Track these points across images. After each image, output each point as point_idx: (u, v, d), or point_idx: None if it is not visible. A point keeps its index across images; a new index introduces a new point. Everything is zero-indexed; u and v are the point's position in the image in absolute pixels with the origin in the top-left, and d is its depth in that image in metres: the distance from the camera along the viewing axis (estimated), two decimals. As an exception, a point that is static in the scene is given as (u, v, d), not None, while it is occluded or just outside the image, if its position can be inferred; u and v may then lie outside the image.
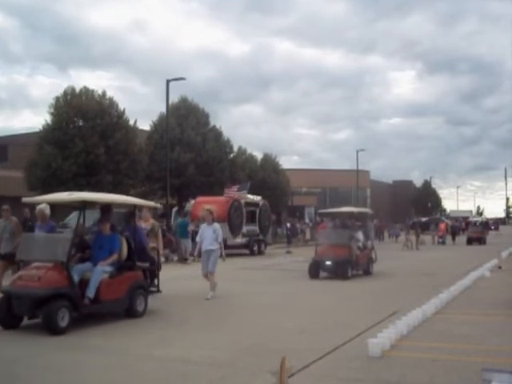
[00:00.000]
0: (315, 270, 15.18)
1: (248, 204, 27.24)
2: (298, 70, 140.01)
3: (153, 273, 10.35)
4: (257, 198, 28.81)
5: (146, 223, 11.50)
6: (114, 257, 9.07)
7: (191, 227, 23.00)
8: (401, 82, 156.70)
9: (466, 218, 60.40)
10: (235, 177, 36.26)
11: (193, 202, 27.47)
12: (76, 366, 6.16)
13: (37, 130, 31.36)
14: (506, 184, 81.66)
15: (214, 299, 11.34)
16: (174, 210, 28.89)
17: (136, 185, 31.77)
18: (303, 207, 53.26)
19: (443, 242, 37.08)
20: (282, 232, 37.83)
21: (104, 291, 8.62)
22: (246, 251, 26.27)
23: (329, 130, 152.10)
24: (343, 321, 8.86)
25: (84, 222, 9.63)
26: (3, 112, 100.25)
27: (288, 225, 33.30)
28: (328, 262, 15.03)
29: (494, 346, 6.98)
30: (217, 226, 11.81)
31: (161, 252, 11.47)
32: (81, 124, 28.76)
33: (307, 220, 47.03)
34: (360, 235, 16.39)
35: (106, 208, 9.90)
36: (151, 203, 11.74)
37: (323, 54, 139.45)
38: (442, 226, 39.71)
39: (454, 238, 39.19)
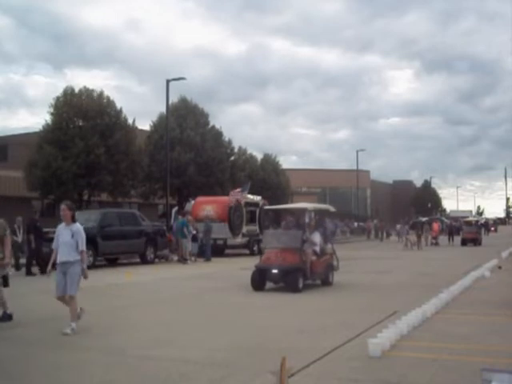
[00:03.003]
0: (259, 280, 12.66)
1: (248, 204, 27.26)
2: (296, 69, 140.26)
3: None
4: (257, 198, 28.84)
5: None
6: None
7: (192, 227, 23.00)
8: (399, 81, 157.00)
9: (465, 218, 59.79)
10: (235, 177, 36.29)
11: (193, 202, 27.50)
12: (76, 366, 6.17)
13: (36, 129, 31.46)
14: (506, 184, 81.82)
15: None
16: (174, 209, 28.91)
17: (136, 185, 31.82)
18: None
19: (436, 243, 35.96)
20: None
21: None
22: (246, 251, 26.29)
23: (327, 130, 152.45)
24: (343, 321, 8.85)
25: None
26: (0, 112, 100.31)
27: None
28: (274, 271, 12.45)
29: (494, 346, 6.98)
30: (77, 227, 8.09)
31: (6, 261, 8.99)
32: (81, 124, 28.81)
33: (307, 220, 46.96)
34: (317, 237, 13.61)
35: None
36: None
37: (320, 53, 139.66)
38: (435, 226, 38.09)
39: (450, 239, 37.63)
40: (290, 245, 12.78)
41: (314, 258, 13.05)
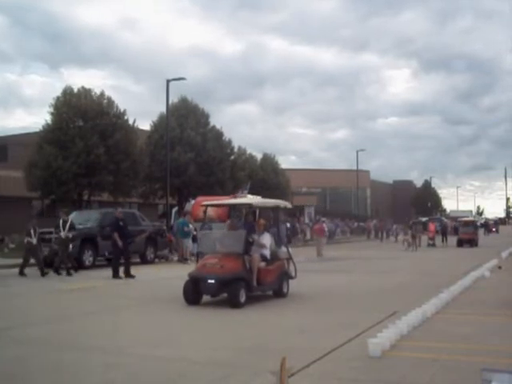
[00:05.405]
0: (194, 292, 10.39)
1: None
2: (293, 68, 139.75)
3: None
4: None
5: None
6: None
7: (192, 227, 22.95)
8: (396, 80, 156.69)
9: (462, 218, 58.89)
10: (236, 177, 36.28)
11: (193, 202, 27.46)
12: (76, 366, 6.17)
13: (35, 129, 31.49)
14: (506, 184, 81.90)
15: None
16: (174, 209, 28.88)
17: (136, 185, 31.84)
18: (303, 207, 53.30)
19: (433, 245, 34.51)
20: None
21: None
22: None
23: (325, 130, 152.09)
24: (343, 321, 8.85)
25: None
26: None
27: (288, 225, 33.26)
28: (210, 281, 10.19)
29: (494, 346, 6.98)
30: None
31: None
32: (81, 124, 28.81)
33: (307, 220, 47.02)
34: (266, 239, 11.25)
35: None
36: None
37: (317, 52, 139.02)
38: (432, 226, 36.43)
39: (444, 239, 36.22)
40: (230, 249, 10.65)
41: (262, 264, 10.80)
